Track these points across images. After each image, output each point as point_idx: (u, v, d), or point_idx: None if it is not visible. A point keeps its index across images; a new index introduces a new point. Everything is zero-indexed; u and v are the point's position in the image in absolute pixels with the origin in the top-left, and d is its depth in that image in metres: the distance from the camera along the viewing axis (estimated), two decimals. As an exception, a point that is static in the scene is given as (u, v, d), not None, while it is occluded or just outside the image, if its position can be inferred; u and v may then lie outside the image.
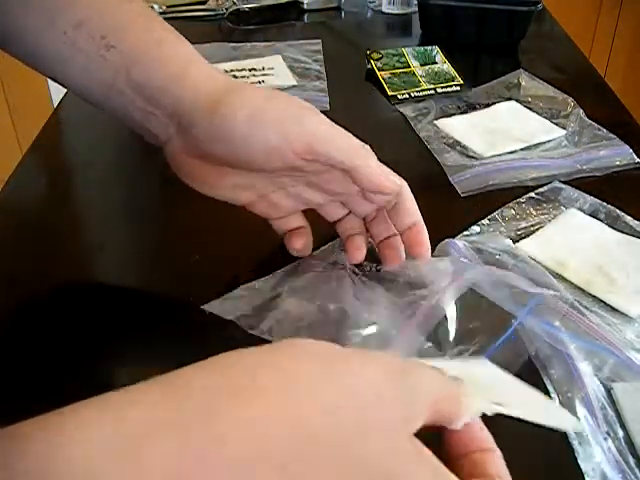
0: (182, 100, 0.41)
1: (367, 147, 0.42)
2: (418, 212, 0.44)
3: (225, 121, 0.40)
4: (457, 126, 0.68)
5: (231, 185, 0.44)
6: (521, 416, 0.30)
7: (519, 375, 0.40)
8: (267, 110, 0.40)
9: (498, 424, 0.39)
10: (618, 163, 0.61)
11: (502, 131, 0.67)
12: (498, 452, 0.28)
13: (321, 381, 0.23)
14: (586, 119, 0.68)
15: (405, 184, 0.44)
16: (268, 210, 0.47)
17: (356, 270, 0.47)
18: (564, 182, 0.58)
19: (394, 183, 0.42)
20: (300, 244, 0.47)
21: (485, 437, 0.29)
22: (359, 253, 0.47)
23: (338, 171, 0.42)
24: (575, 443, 0.36)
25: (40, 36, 0.42)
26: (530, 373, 0.41)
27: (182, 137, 0.43)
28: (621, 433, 0.36)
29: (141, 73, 0.42)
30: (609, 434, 0.36)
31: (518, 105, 0.72)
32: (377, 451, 0.23)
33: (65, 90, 0.59)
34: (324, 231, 0.49)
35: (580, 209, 0.55)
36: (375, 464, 0.23)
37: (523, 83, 0.76)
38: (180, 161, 0.44)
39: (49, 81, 0.50)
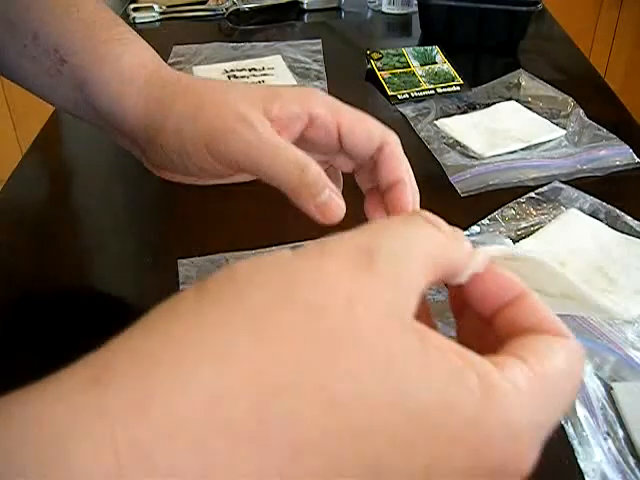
0: (125, 123, 0.40)
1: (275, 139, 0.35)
2: (404, 170, 0.38)
3: (155, 154, 0.39)
4: (457, 126, 0.68)
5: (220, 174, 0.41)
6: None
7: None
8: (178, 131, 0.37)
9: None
10: (618, 163, 0.61)
11: (502, 131, 0.67)
12: (532, 294, 0.23)
13: (276, 311, 0.18)
14: (586, 119, 0.68)
15: (393, 139, 0.38)
16: None
17: None
18: (564, 182, 0.58)
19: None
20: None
21: (510, 281, 0.23)
22: (378, 214, 0.40)
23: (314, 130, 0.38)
24: (575, 443, 0.36)
25: (5, 48, 0.41)
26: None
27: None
28: (621, 433, 0.36)
29: (90, 93, 0.40)
30: (609, 434, 0.36)
31: (518, 105, 0.72)
32: (368, 338, 0.18)
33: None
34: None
35: (580, 209, 0.55)
36: (368, 354, 0.18)
37: (523, 83, 0.76)
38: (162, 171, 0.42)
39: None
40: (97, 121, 0.42)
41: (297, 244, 0.43)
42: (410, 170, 0.38)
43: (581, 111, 0.69)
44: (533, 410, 0.20)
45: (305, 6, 1.01)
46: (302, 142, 0.38)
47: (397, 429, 0.18)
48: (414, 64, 0.80)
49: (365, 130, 0.37)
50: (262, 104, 0.36)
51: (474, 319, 0.24)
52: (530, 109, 0.71)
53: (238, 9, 0.99)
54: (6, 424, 0.17)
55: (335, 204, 0.35)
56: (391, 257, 0.20)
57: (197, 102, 0.37)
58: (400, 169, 0.37)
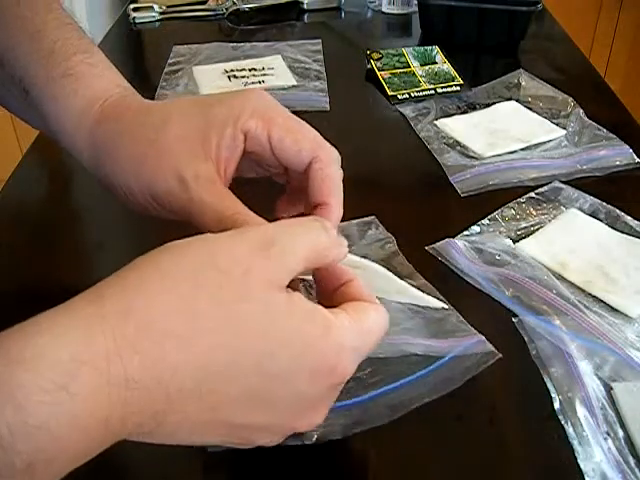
0: (82, 159, 0.40)
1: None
2: (329, 192, 0.37)
3: (106, 184, 0.40)
4: (457, 126, 0.68)
5: None
6: (385, 296, 0.38)
7: (522, 370, 0.41)
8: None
9: (503, 427, 0.39)
10: (618, 163, 0.61)
11: (502, 131, 0.67)
12: (356, 280, 0.34)
13: (198, 283, 0.28)
14: (586, 119, 0.68)
15: (324, 155, 0.37)
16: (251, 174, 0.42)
17: None
18: (564, 182, 0.58)
19: None
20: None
21: (345, 271, 0.34)
22: (280, 213, 0.41)
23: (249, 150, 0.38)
24: (575, 443, 0.36)
25: None
26: (530, 372, 0.41)
27: None
28: (621, 433, 0.36)
29: (49, 126, 0.40)
30: (609, 434, 0.36)
31: (518, 105, 0.72)
32: (254, 297, 0.28)
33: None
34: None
35: (580, 209, 0.55)
36: (252, 305, 0.28)
37: (523, 83, 0.76)
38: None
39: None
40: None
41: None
42: (340, 187, 0.37)
43: (581, 111, 0.69)
44: (352, 339, 0.31)
45: (305, 6, 1.01)
46: (249, 159, 0.38)
47: (269, 344, 0.28)
48: (414, 64, 0.81)
49: (294, 143, 0.37)
50: (201, 147, 0.37)
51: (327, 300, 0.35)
52: (530, 109, 0.71)
53: (238, 9, 0.99)
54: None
55: None
56: (282, 249, 0.30)
57: (139, 154, 0.37)
58: (324, 191, 0.37)
